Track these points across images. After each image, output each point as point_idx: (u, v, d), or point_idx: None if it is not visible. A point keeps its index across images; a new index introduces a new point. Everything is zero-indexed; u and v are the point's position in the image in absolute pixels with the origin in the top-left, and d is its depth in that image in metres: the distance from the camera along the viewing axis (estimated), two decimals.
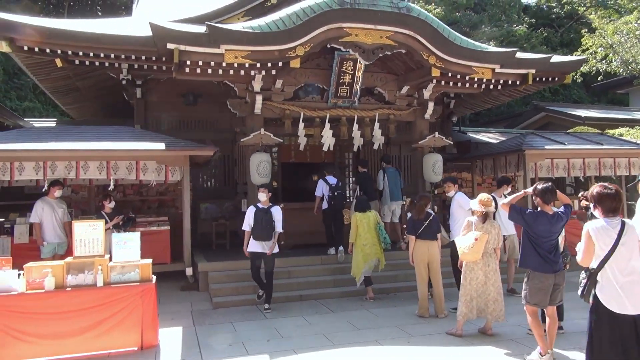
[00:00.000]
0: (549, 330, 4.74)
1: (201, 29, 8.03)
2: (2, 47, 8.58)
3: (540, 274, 4.64)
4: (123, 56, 9.19)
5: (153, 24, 7.52)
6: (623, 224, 3.49)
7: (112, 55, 9.16)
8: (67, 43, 8.76)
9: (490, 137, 15.34)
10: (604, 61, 14.88)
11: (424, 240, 6.59)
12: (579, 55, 14.40)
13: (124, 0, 23.73)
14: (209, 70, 8.18)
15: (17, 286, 4.89)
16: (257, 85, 8.97)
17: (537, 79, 9.71)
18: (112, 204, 7.82)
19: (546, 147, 9.45)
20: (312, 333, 5.65)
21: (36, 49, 8.72)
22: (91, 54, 9.06)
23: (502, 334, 5.55)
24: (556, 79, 10.50)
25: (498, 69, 8.94)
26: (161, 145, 7.61)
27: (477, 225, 5.54)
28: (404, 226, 8.39)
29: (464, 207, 6.71)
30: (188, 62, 7.78)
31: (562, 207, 4.78)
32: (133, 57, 9.25)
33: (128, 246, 5.34)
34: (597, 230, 3.49)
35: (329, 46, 8.53)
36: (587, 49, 15.35)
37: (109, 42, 8.97)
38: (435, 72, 8.76)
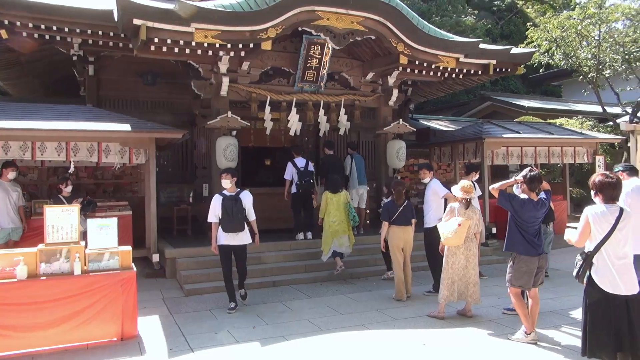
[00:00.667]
0: (532, 310, 4.99)
1: (170, 5, 7.68)
2: None
3: (526, 257, 4.86)
4: (78, 30, 8.67)
5: None
6: (621, 210, 3.71)
7: (66, 29, 8.61)
8: (16, 13, 8.13)
9: (441, 124, 15.78)
10: (546, 54, 15.58)
11: (398, 226, 6.73)
12: (523, 48, 15.04)
13: None
14: (176, 49, 7.82)
15: None
16: (223, 66, 8.71)
17: (496, 69, 10.04)
18: (70, 188, 7.39)
19: (504, 135, 9.85)
20: (296, 319, 5.64)
21: None
22: (42, 27, 8.47)
23: (480, 315, 5.79)
24: (509, 69, 10.93)
25: (462, 59, 9.16)
26: (126, 127, 7.25)
27: (459, 211, 5.69)
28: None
29: (439, 194, 6.87)
30: (156, 40, 7.40)
31: (543, 193, 5.02)
32: (89, 31, 8.74)
33: (105, 232, 5.07)
34: (597, 215, 3.70)
35: (300, 29, 8.40)
36: (532, 41, 16.01)
37: (63, 14, 8.42)
38: (403, 60, 8.85)
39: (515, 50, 10.84)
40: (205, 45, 7.67)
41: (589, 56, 14.66)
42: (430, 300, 6.38)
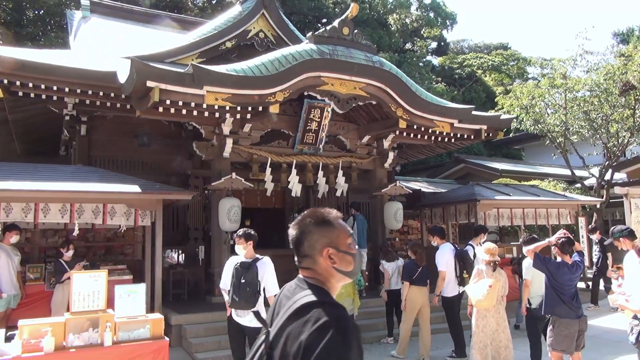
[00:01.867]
0: None
1: (182, 68, 7.77)
2: None
3: (566, 320, 4.90)
4: (79, 91, 8.63)
5: (135, 60, 7.13)
6: None
7: (66, 89, 8.56)
8: (18, 73, 8.05)
9: (420, 185, 16.15)
10: (515, 119, 16.47)
11: (417, 287, 6.77)
12: (494, 114, 15.88)
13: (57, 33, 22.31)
14: (183, 111, 7.83)
15: (9, 349, 4.17)
16: (226, 128, 8.78)
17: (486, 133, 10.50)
18: (71, 252, 7.07)
19: (496, 197, 10.18)
20: None
21: None
22: (43, 86, 8.40)
23: None
24: (490, 134, 11.47)
25: (456, 124, 9.57)
26: (135, 188, 7.08)
27: (487, 272, 5.76)
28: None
29: (438, 265, 6.94)
30: (167, 102, 7.40)
31: (576, 254, 5.16)
32: (90, 92, 8.71)
33: (132, 299, 4.83)
34: None
35: (306, 93, 8.63)
36: (502, 107, 16.93)
37: (64, 75, 8.43)
38: (402, 124, 9.16)
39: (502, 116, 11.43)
40: (216, 107, 7.72)
41: (557, 122, 15.56)
42: None
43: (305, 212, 1.78)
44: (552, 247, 5.22)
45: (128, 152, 10.72)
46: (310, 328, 1.43)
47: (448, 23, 33.51)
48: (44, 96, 8.74)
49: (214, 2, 28.61)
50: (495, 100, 18.52)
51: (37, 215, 6.71)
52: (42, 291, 7.13)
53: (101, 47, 11.40)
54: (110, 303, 4.78)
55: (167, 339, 4.79)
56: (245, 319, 4.98)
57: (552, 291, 4.98)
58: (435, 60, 35.41)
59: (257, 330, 4.41)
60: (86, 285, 4.66)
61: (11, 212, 6.56)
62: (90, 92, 8.72)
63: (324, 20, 31.51)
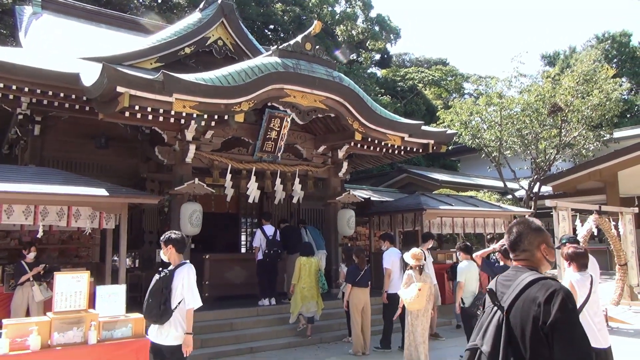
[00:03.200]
0: None
1: (142, 72, 7.92)
2: None
3: None
4: (39, 91, 8.56)
5: (107, 65, 7.23)
6: (591, 277, 4.58)
7: (26, 89, 8.48)
8: None
9: (365, 193, 16.86)
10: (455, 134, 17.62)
11: (360, 288, 7.35)
12: (436, 127, 16.92)
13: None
14: (150, 117, 8.00)
15: None
16: (189, 134, 8.98)
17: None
18: (33, 255, 7.06)
19: (440, 207, 10.96)
20: None
21: None
22: (1, 85, 8.27)
23: None
24: (435, 147, 12.31)
25: (407, 138, 10.26)
26: (102, 191, 7.17)
27: (416, 277, 6.39)
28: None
29: (384, 264, 7.68)
30: (136, 107, 7.54)
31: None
32: (50, 93, 8.66)
33: (113, 299, 5.01)
34: (578, 282, 4.52)
35: (269, 104, 9.00)
36: (443, 122, 18.03)
37: (25, 75, 8.37)
38: (358, 136, 9.73)
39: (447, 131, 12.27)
40: (184, 114, 7.94)
41: (493, 138, 16.79)
42: (384, 355, 7.05)
43: (519, 220, 2.40)
44: (496, 253, 5.92)
45: (82, 153, 10.61)
46: (545, 293, 2.02)
47: (392, 37, 34.82)
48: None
49: (159, 1, 28.30)
50: (437, 114, 19.63)
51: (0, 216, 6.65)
52: (1, 293, 7.05)
53: (55, 45, 11.22)
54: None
55: (147, 337, 5.01)
56: (160, 335, 4.26)
57: None
58: (379, 73, 36.63)
59: (169, 349, 4.15)
60: (68, 286, 4.81)
61: None
62: (50, 92, 8.67)
63: (272, 27, 31.94)
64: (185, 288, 4.24)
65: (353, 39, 33.49)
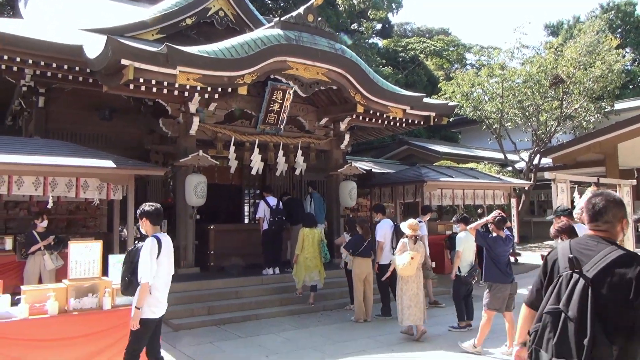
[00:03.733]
0: (509, 330, 5.93)
1: (143, 44, 7.96)
2: None
3: (501, 284, 5.83)
4: (43, 63, 8.61)
5: (111, 38, 7.27)
6: None
7: (31, 61, 8.52)
8: None
9: (366, 165, 17.00)
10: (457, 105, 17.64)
11: (363, 258, 7.59)
12: (436, 99, 16.94)
13: None
14: (154, 89, 8.08)
15: (17, 312, 4.49)
16: (193, 106, 9.06)
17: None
18: (45, 223, 7.25)
19: (440, 179, 11.12)
20: (300, 347, 6.05)
21: None
22: (5, 57, 8.32)
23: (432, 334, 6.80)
24: (437, 120, 12.40)
25: (408, 110, 10.33)
26: (109, 163, 7.31)
27: (409, 245, 6.63)
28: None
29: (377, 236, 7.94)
30: (141, 80, 7.61)
31: (507, 230, 6.12)
32: (54, 65, 8.71)
33: None
34: None
35: (272, 77, 9.05)
36: (444, 93, 18.04)
37: (30, 47, 8.43)
38: (360, 109, 9.80)
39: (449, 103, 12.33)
40: (188, 87, 8.01)
41: (494, 110, 16.83)
42: (386, 322, 7.41)
43: (603, 193, 2.51)
44: (489, 224, 6.14)
45: (85, 125, 10.70)
46: (635, 269, 2.19)
47: (394, 6, 34.37)
48: (3, 66, 8.66)
49: None
50: (439, 86, 19.61)
51: (10, 187, 6.80)
52: (14, 261, 7.27)
53: (56, 16, 11.19)
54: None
55: None
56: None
57: (490, 261, 5.92)
58: (380, 43, 36.28)
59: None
60: (82, 255, 5.00)
61: None
62: (54, 64, 8.72)
63: None
64: (140, 260, 4.17)
65: (354, 9, 33.06)
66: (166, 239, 4.39)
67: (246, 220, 12.82)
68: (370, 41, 34.59)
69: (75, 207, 9.45)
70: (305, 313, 7.88)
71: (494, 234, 6.01)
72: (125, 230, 8.42)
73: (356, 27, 35.10)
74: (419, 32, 40.81)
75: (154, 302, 4.25)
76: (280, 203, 9.35)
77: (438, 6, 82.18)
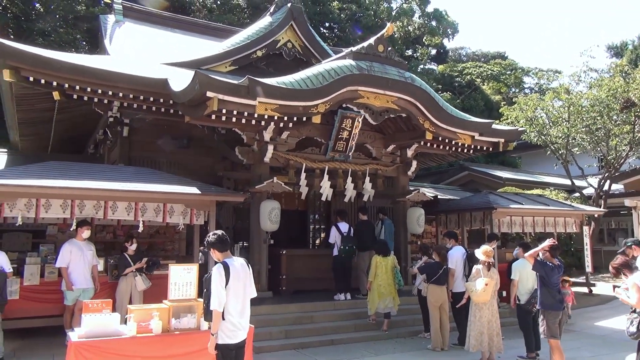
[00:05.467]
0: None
1: (228, 78, 8.42)
2: (5, 75, 8.22)
3: (554, 312, 6.00)
4: (131, 95, 9.23)
5: (199, 72, 7.79)
6: None
7: (120, 94, 9.15)
8: (77, 78, 8.69)
9: (427, 191, 16.91)
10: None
11: (438, 285, 7.58)
12: (498, 124, 16.68)
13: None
14: (233, 119, 8.49)
15: (126, 330, 4.82)
16: (268, 135, 9.43)
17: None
18: (135, 246, 7.69)
19: (511, 206, 10.94)
20: None
21: (42, 81, 8.49)
22: (99, 91, 8.98)
23: None
24: (504, 146, 12.25)
25: (477, 137, 10.32)
26: (194, 189, 7.71)
27: (483, 272, 6.65)
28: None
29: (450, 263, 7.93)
30: (223, 111, 8.03)
31: (556, 259, 6.13)
32: (141, 97, 9.31)
33: None
34: None
35: (344, 105, 9.32)
36: (507, 118, 17.77)
37: (119, 81, 9.03)
38: (429, 136, 9.87)
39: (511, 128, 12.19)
40: (266, 117, 8.37)
41: (560, 134, 16.41)
42: (463, 350, 7.27)
43: None
44: (542, 252, 6.15)
45: (163, 153, 11.26)
46: None
47: (449, 32, 34.39)
48: (96, 99, 9.34)
49: (219, 2, 29.14)
50: (500, 110, 19.34)
51: (106, 212, 7.28)
52: (106, 282, 7.73)
53: (138, 51, 12.00)
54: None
55: (251, 325, 5.44)
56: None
57: (545, 289, 6.04)
58: (435, 68, 36.27)
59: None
60: (180, 277, 5.31)
61: (84, 209, 7.14)
62: (141, 97, 9.33)
63: (327, 25, 32.26)
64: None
65: (409, 35, 33.35)
66: (237, 264, 4.41)
67: (311, 246, 13.03)
68: (427, 67, 34.66)
69: (155, 232, 9.92)
70: (379, 340, 7.91)
71: (549, 263, 6.06)
72: (202, 252, 8.80)
73: (411, 54, 35.35)
74: (474, 57, 40.55)
75: (229, 327, 4.27)
76: (352, 229, 9.48)
77: (493, 30, 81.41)
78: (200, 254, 8.89)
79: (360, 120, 9.88)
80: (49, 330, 7.38)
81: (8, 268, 6.36)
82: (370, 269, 8.25)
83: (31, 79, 8.36)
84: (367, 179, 10.56)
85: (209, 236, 4.51)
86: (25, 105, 9.85)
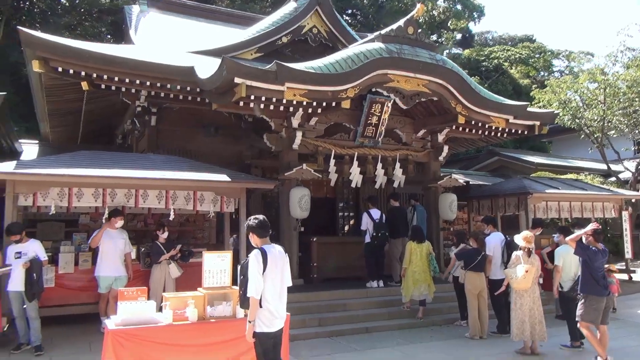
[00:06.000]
0: (603, 344, 5.81)
1: (258, 65, 8.28)
2: (35, 66, 8.24)
3: (597, 297, 5.79)
4: (159, 84, 9.18)
5: (226, 58, 7.65)
6: None
7: (148, 83, 9.11)
8: (105, 68, 8.67)
9: (458, 177, 16.57)
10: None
11: (475, 272, 7.35)
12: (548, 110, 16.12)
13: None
14: (261, 105, 8.38)
15: (162, 318, 4.77)
16: (296, 121, 9.28)
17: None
18: (166, 234, 7.67)
19: (546, 191, 10.60)
20: None
21: (70, 71, 8.49)
22: (127, 80, 8.95)
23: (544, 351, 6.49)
24: (539, 129, 11.84)
25: (511, 120, 9.98)
26: (224, 177, 7.63)
27: (523, 258, 6.41)
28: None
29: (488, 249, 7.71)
30: (252, 97, 7.91)
31: (600, 244, 5.95)
32: (168, 86, 9.26)
33: None
34: None
35: (373, 90, 9.10)
36: (539, 102, 17.24)
37: (147, 70, 8.99)
38: (461, 119, 9.58)
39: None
40: (294, 102, 8.22)
41: (596, 117, 15.85)
42: (502, 339, 7.11)
43: None
44: (585, 236, 5.92)
45: (190, 141, 11.25)
46: None
47: (475, 15, 33.60)
48: (123, 89, 9.33)
49: None
50: (531, 94, 18.80)
51: (137, 200, 7.27)
52: (138, 270, 7.74)
53: (163, 40, 11.97)
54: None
55: (287, 313, 5.33)
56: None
57: (588, 273, 5.84)
58: (461, 52, 35.53)
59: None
60: (215, 264, 5.23)
61: (115, 197, 7.13)
62: (168, 85, 9.27)
63: (350, 11, 31.85)
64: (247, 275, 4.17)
65: (434, 20, 32.68)
66: (275, 251, 4.31)
67: (340, 233, 12.90)
68: (452, 51, 33.98)
69: (185, 220, 9.91)
70: (414, 328, 7.76)
71: (593, 247, 5.82)
72: (234, 240, 8.75)
73: (436, 39, 34.65)
74: (501, 40, 39.56)
75: (266, 316, 4.16)
76: (384, 216, 9.31)
77: (520, 13, 79.42)
78: (231, 241, 8.84)
79: (389, 104, 9.65)
80: (85, 318, 7.43)
81: (43, 256, 6.39)
82: (404, 256, 8.08)
83: (60, 69, 8.36)
84: (398, 164, 10.34)
85: (249, 219, 4.39)
86: (55, 96, 9.91)
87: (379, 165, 10.20)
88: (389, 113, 9.86)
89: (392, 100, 9.45)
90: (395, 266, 9.35)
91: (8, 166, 6.60)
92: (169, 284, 7.32)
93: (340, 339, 7.02)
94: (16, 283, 6.10)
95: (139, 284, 7.54)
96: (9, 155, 11.10)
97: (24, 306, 6.19)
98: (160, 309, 5.08)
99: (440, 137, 10.72)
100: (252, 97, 7.93)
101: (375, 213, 9.25)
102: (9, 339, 6.54)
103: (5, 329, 6.53)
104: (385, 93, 9.16)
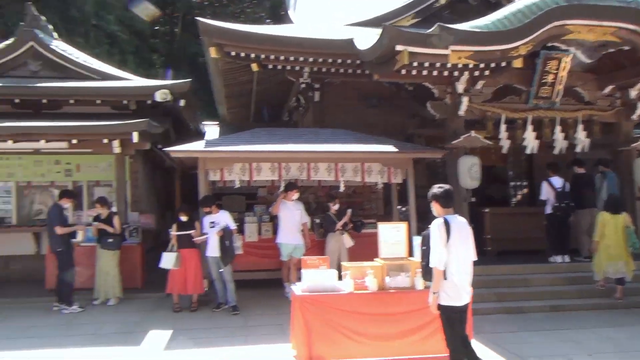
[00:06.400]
0: None
1: (424, 31, 7.98)
2: (212, 52, 8.96)
3: None
4: (321, 60, 9.39)
5: (387, 26, 7.58)
6: None
7: (311, 59, 9.37)
8: (271, 48, 9.11)
9: None
10: None
11: None
12: None
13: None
14: (424, 72, 8.09)
15: (344, 286, 4.94)
16: (461, 86, 8.79)
17: None
18: (337, 206, 7.92)
19: None
20: (626, 350, 5.35)
21: (242, 55, 9.08)
22: (291, 58, 9.30)
23: None
24: None
25: None
26: (390, 148, 7.59)
27: None
28: None
29: None
30: (414, 64, 7.68)
31: None
32: (330, 60, 9.42)
33: None
34: None
35: (548, 45, 8.22)
36: None
37: (310, 47, 9.24)
38: None
39: None
40: (460, 65, 7.79)
41: None
42: None
43: None
44: None
45: (352, 114, 11.36)
46: None
47: None
48: (288, 67, 9.74)
49: None
50: None
51: (309, 173, 7.64)
52: (313, 240, 8.16)
53: (321, 16, 12.24)
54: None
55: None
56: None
57: None
58: None
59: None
60: (390, 235, 5.23)
61: (290, 170, 7.56)
62: (329, 60, 9.45)
63: None
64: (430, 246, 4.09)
65: None
66: (458, 221, 4.21)
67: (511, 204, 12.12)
68: None
69: (353, 192, 10.14)
70: (612, 309, 6.99)
71: None
72: (404, 209, 8.72)
73: None
74: None
75: (450, 287, 4.03)
76: (567, 185, 8.45)
77: None
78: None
79: (568, 60, 8.63)
80: (268, 283, 8.07)
81: (233, 226, 7.06)
82: (595, 228, 7.24)
83: (232, 53, 9.00)
84: (580, 126, 9.27)
85: (433, 188, 4.31)
86: (230, 79, 10.75)
87: (558, 128, 9.25)
88: (567, 69, 8.83)
89: (571, 55, 8.46)
90: (583, 240, 8.47)
91: (199, 145, 7.35)
92: (343, 253, 7.59)
93: (524, 316, 6.60)
94: (213, 249, 6.88)
95: (314, 253, 7.94)
96: (196, 136, 12.43)
97: (220, 270, 6.92)
98: (339, 277, 5.25)
99: (633, 93, 9.30)
100: (415, 64, 7.70)
101: (557, 181, 8.43)
102: (210, 298, 7.40)
103: (206, 289, 7.39)
104: (563, 47, 8.20)
